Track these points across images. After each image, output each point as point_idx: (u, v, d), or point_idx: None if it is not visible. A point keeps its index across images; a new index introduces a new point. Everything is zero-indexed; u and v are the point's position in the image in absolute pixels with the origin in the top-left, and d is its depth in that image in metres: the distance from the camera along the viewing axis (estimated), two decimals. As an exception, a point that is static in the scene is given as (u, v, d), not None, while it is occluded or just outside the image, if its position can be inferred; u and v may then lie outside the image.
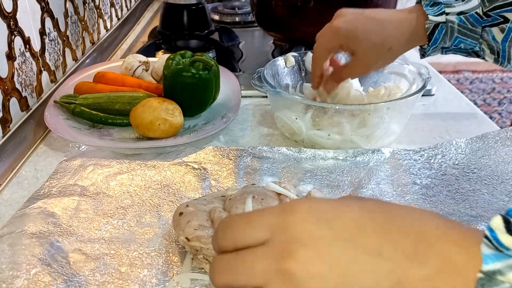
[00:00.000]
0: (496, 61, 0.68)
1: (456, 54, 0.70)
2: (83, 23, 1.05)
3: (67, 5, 0.96)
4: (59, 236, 0.54)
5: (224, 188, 0.63)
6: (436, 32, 0.66)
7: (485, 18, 0.65)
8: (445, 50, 0.70)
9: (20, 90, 0.76)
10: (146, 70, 0.91)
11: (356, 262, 0.30)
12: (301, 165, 0.68)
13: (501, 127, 0.74)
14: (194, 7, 1.12)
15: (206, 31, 1.14)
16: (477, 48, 0.68)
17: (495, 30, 0.65)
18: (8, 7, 0.72)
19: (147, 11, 1.58)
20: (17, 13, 0.75)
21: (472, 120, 0.85)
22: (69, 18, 0.97)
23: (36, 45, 0.82)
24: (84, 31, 1.06)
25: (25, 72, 0.78)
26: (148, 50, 1.08)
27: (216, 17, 1.40)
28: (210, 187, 0.64)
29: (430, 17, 0.66)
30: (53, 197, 0.60)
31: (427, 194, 0.62)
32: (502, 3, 0.64)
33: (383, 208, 0.33)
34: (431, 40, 0.67)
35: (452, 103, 0.91)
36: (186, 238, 0.51)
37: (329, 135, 0.71)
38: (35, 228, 0.54)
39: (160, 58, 0.89)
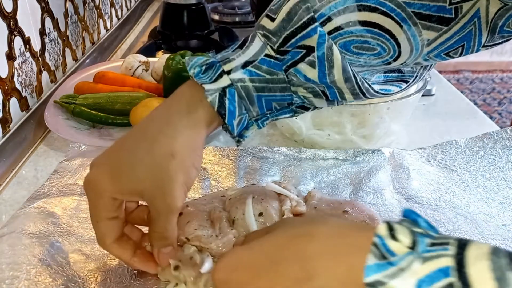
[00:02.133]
0: (330, 102, 0.48)
1: (278, 118, 0.49)
2: (83, 23, 1.05)
3: (67, 5, 0.96)
4: (59, 236, 0.54)
5: (224, 188, 0.63)
6: (227, 102, 0.44)
7: (282, 57, 0.45)
8: (261, 122, 0.49)
9: (20, 90, 0.76)
10: (146, 70, 0.91)
11: None
12: (301, 165, 0.68)
13: (501, 127, 0.74)
14: (194, 7, 1.12)
15: (206, 31, 1.14)
16: (297, 100, 0.47)
17: (304, 67, 0.44)
18: (8, 7, 0.72)
19: (147, 11, 1.58)
20: (17, 13, 0.75)
21: (472, 120, 0.85)
22: (69, 18, 0.97)
23: (36, 45, 0.82)
24: (84, 31, 1.06)
25: (25, 72, 0.78)
26: (148, 50, 1.08)
27: (216, 17, 1.40)
28: (210, 187, 0.64)
29: (207, 86, 0.44)
30: (53, 197, 0.60)
31: (427, 194, 0.62)
32: (291, 29, 0.44)
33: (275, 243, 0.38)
34: (225, 115, 0.45)
35: (452, 103, 0.91)
36: (186, 238, 0.51)
37: (329, 135, 0.71)
38: (35, 228, 0.54)
39: (160, 58, 0.89)
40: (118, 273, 0.49)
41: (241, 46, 0.46)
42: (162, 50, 1.15)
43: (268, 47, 0.45)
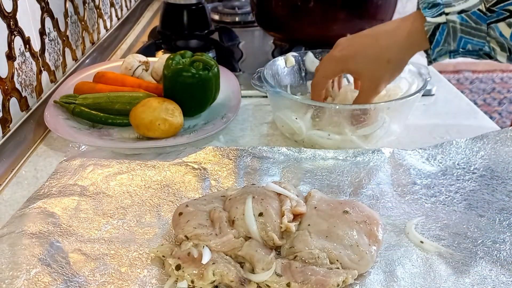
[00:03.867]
0: (509, 59, 0.63)
1: (466, 56, 0.66)
2: (83, 23, 1.05)
3: (67, 5, 0.96)
4: (59, 236, 0.54)
5: (224, 188, 0.63)
6: (437, 34, 0.63)
7: (489, 14, 0.61)
8: (452, 54, 0.66)
9: (20, 90, 0.76)
10: (146, 70, 0.91)
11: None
12: (301, 165, 0.68)
13: (501, 127, 0.74)
14: (194, 7, 1.12)
15: (206, 31, 1.14)
16: (486, 48, 0.63)
17: (502, 26, 0.61)
18: (8, 7, 0.72)
19: (147, 11, 1.58)
20: (17, 13, 0.75)
21: (472, 120, 0.85)
22: (69, 18, 0.97)
23: (36, 45, 0.82)
24: (84, 31, 1.06)
25: (25, 72, 0.78)
26: (148, 50, 1.08)
27: (216, 17, 1.40)
28: (210, 187, 0.64)
29: (428, 18, 0.63)
30: (53, 197, 0.60)
31: (427, 194, 0.62)
32: None
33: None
34: (432, 42, 0.64)
35: (452, 103, 0.91)
36: (185, 236, 0.51)
37: (329, 135, 0.71)
38: (35, 228, 0.54)
39: (160, 58, 0.89)
40: (118, 273, 0.49)
41: None
42: (162, 50, 1.15)
43: (482, 4, 0.62)
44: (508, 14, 0.60)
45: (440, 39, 0.63)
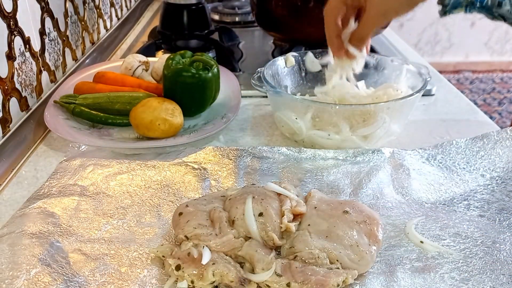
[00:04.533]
0: None
1: (480, 13, 0.60)
2: (83, 23, 1.05)
3: (67, 5, 0.96)
4: (59, 236, 0.54)
5: (224, 188, 0.63)
6: None
7: None
8: (469, 8, 0.61)
9: (20, 90, 0.76)
10: (146, 70, 0.91)
11: None
12: (301, 165, 0.68)
13: (501, 127, 0.74)
14: (194, 7, 1.12)
15: (206, 31, 1.14)
16: (505, 4, 0.58)
17: None
18: (8, 7, 0.72)
19: (147, 11, 1.58)
20: (17, 13, 0.75)
21: (472, 120, 0.85)
22: (69, 18, 0.97)
23: (36, 45, 0.82)
24: (84, 31, 1.06)
25: (25, 72, 0.78)
26: (148, 50, 1.08)
27: (216, 17, 1.40)
28: (210, 187, 0.64)
29: None
30: (53, 197, 0.60)
31: (427, 194, 0.62)
32: None
33: None
34: None
35: (452, 103, 0.91)
36: (185, 236, 0.51)
37: (329, 135, 0.71)
38: (35, 228, 0.54)
39: (160, 58, 0.89)
40: (118, 273, 0.49)
41: None
42: (162, 50, 1.15)
43: None
44: None
45: None
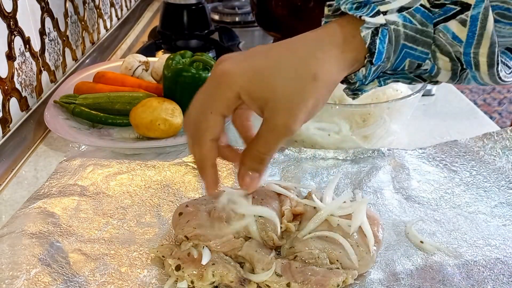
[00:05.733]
0: (454, 75, 0.46)
1: (397, 81, 0.49)
2: (83, 23, 1.05)
3: (67, 5, 0.96)
4: (59, 236, 0.54)
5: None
6: (378, 41, 0.43)
7: (435, 11, 0.43)
8: (383, 79, 0.48)
9: (20, 90, 0.76)
10: (146, 70, 0.91)
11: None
12: (301, 165, 0.68)
13: (501, 127, 0.74)
14: (194, 7, 1.12)
15: (206, 31, 1.14)
16: (427, 64, 0.46)
17: (454, 25, 0.43)
18: (8, 7, 0.72)
19: (147, 11, 1.58)
20: (17, 13, 0.75)
21: (472, 120, 0.85)
22: (69, 18, 0.97)
23: (36, 45, 0.82)
24: (84, 31, 1.06)
25: (25, 72, 0.78)
26: (148, 50, 1.08)
27: (216, 17, 1.40)
28: (210, 187, 0.64)
29: (367, 18, 0.43)
30: (53, 197, 0.60)
31: (427, 194, 0.62)
32: None
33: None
34: (373, 54, 0.43)
35: (452, 103, 0.91)
36: (185, 236, 0.51)
37: (329, 135, 0.71)
38: (35, 228, 0.54)
39: (160, 58, 0.89)
40: (118, 273, 0.49)
41: None
42: (162, 50, 1.15)
43: None
44: (459, 7, 0.43)
45: (383, 50, 0.43)
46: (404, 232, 0.56)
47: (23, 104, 0.77)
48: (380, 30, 0.43)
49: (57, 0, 0.91)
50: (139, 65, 0.90)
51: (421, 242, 0.54)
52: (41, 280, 0.47)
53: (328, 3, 0.47)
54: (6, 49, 0.72)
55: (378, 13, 0.43)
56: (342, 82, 0.46)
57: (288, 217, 0.52)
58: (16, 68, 0.75)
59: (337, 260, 0.49)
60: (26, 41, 0.78)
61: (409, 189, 0.63)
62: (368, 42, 0.42)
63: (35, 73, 0.82)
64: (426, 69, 0.46)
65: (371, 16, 0.43)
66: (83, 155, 0.70)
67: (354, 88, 0.47)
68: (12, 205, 0.62)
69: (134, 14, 1.46)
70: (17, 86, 0.75)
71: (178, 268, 0.48)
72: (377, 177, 0.65)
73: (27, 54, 0.79)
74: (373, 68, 0.44)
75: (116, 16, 1.32)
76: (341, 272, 0.47)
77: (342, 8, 0.44)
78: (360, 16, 0.43)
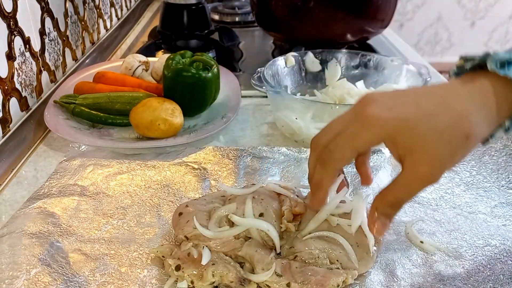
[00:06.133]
0: None
1: None
2: (83, 23, 1.05)
3: (67, 5, 0.96)
4: (59, 236, 0.54)
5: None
6: None
7: None
8: None
9: (20, 90, 0.76)
10: (146, 70, 0.91)
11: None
12: (301, 165, 0.68)
13: (501, 127, 0.74)
14: (194, 7, 1.12)
15: (206, 31, 1.14)
16: None
17: None
18: (8, 7, 0.72)
19: (147, 11, 1.58)
20: (17, 13, 0.75)
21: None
22: (69, 18, 0.97)
23: (36, 45, 0.82)
24: (84, 31, 1.06)
25: (25, 72, 0.78)
26: (148, 50, 1.08)
27: (216, 17, 1.40)
28: (210, 187, 0.64)
29: None
30: (53, 197, 0.60)
31: (427, 194, 0.62)
32: None
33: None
34: None
35: (452, 103, 0.91)
36: (185, 236, 0.51)
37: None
38: (35, 228, 0.54)
39: (160, 58, 0.89)
40: (118, 273, 0.49)
41: None
42: (162, 50, 1.15)
43: None
44: None
45: None
46: (404, 232, 0.56)
47: (23, 104, 0.77)
48: None
49: (57, 0, 0.91)
50: (139, 65, 0.90)
51: (421, 242, 0.54)
52: (41, 280, 0.47)
53: (462, 55, 0.47)
54: (6, 49, 0.72)
55: None
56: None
57: (288, 217, 0.52)
58: (16, 68, 0.75)
59: (337, 260, 0.49)
60: (26, 41, 0.78)
61: (409, 189, 0.63)
62: None
63: (35, 73, 0.82)
64: None
65: None
66: (83, 155, 0.70)
67: (488, 139, 0.48)
68: (12, 205, 0.62)
69: (134, 14, 1.46)
70: (17, 86, 0.75)
71: (178, 268, 0.48)
72: (377, 177, 0.65)
73: (27, 54, 0.79)
74: None
75: (116, 16, 1.32)
76: (341, 272, 0.47)
77: (489, 67, 0.44)
78: (509, 77, 0.43)
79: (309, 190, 0.58)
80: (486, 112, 0.43)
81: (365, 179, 0.52)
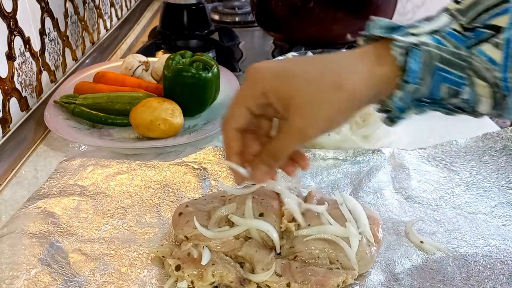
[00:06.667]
0: (496, 103, 0.44)
1: (435, 110, 0.47)
2: (83, 23, 1.05)
3: (67, 5, 0.96)
4: (59, 236, 0.54)
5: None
6: (411, 60, 0.42)
7: (468, 35, 0.43)
8: (421, 105, 0.46)
9: (20, 90, 0.76)
10: (146, 70, 0.91)
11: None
12: (301, 165, 0.68)
13: (501, 127, 0.74)
14: (194, 7, 1.12)
15: (206, 31, 1.14)
16: (466, 91, 0.44)
17: (488, 48, 0.42)
18: (8, 7, 0.72)
19: (147, 11, 1.58)
20: (17, 13, 0.75)
21: (472, 120, 0.84)
22: (69, 18, 0.97)
23: (36, 45, 0.82)
24: (84, 31, 1.06)
25: (25, 72, 0.78)
26: (148, 50, 1.08)
27: (216, 17, 1.40)
28: (210, 187, 0.64)
29: (397, 37, 0.43)
30: (53, 197, 0.60)
31: (427, 194, 0.62)
32: (481, 7, 0.43)
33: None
34: (406, 73, 0.42)
35: (452, 103, 0.91)
36: (185, 236, 0.51)
37: (329, 135, 0.71)
38: (35, 228, 0.54)
39: (160, 58, 0.89)
40: (118, 273, 0.49)
41: (426, 19, 0.46)
42: (162, 50, 1.15)
43: (455, 23, 0.44)
44: (492, 32, 0.42)
45: (417, 69, 0.42)
46: (404, 232, 0.56)
47: (23, 104, 0.77)
48: (411, 51, 0.42)
49: (57, 0, 0.91)
50: (139, 65, 0.90)
51: (421, 242, 0.54)
52: (41, 280, 0.47)
53: (361, 32, 0.47)
54: (6, 49, 0.72)
55: (408, 34, 0.44)
56: (380, 110, 0.47)
57: (288, 217, 0.52)
58: (16, 68, 0.75)
59: (337, 260, 0.49)
60: (26, 41, 0.78)
61: (409, 189, 0.63)
62: (398, 58, 0.42)
63: (35, 73, 0.82)
64: (466, 99, 0.44)
65: (403, 36, 0.43)
66: (83, 155, 0.70)
67: (392, 116, 0.46)
68: (12, 205, 0.62)
69: (134, 14, 1.46)
70: (17, 86, 0.75)
71: (178, 268, 0.48)
72: (377, 177, 0.65)
73: (27, 54, 0.79)
74: (408, 88, 0.43)
75: (116, 16, 1.32)
76: (341, 272, 0.47)
77: (373, 32, 0.45)
78: (391, 37, 0.43)
79: (309, 189, 0.58)
80: (362, 66, 0.43)
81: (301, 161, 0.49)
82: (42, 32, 0.84)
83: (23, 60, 0.77)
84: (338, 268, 0.48)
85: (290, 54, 0.85)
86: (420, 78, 0.43)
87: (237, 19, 1.39)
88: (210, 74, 0.78)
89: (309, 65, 0.44)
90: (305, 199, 0.57)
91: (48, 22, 0.87)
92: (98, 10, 1.16)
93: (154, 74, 0.90)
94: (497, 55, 0.41)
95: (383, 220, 0.56)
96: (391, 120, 0.47)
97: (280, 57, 0.84)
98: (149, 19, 1.50)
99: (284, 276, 0.47)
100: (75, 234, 0.55)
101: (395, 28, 0.44)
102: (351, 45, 1.07)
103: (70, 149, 0.71)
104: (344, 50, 0.46)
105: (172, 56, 0.79)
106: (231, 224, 0.52)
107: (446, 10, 0.46)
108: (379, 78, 0.43)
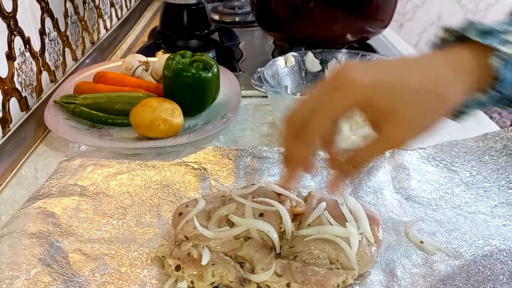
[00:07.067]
0: None
1: (504, 108, 0.47)
2: (83, 23, 1.05)
3: (67, 5, 0.96)
4: (59, 236, 0.54)
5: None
6: (507, 72, 0.42)
7: None
8: (493, 106, 0.47)
9: (20, 90, 0.76)
10: (146, 70, 0.91)
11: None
12: (301, 165, 0.68)
13: (501, 127, 0.74)
14: (194, 7, 1.12)
15: (206, 31, 1.14)
16: None
17: None
18: (8, 7, 0.72)
19: (147, 11, 1.58)
20: (17, 13, 0.75)
21: (472, 120, 0.84)
22: (69, 18, 0.97)
23: (36, 45, 0.82)
24: (84, 31, 1.06)
25: (25, 72, 0.78)
26: (148, 50, 1.08)
27: (216, 17, 1.40)
28: (210, 187, 0.64)
29: (500, 47, 0.42)
30: (53, 197, 0.60)
31: (427, 194, 0.62)
32: None
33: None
34: (499, 82, 0.42)
35: (452, 103, 0.91)
36: (185, 236, 0.51)
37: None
38: (35, 228, 0.54)
39: (160, 58, 0.89)
40: (118, 273, 0.49)
41: None
42: (162, 50, 1.15)
43: None
44: None
45: (509, 78, 0.42)
46: (404, 232, 0.56)
47: (23, 104, 0.77)
48: (509, 61, 0.42)
49: (57, 0, 0.91)
50: (139, 65, 0.90)
51: (421, 242, 0.54)
52: (41, 280, 0.47)
53: (444, 26, 0.46)
54: (6, 49, 0.72)
55: (504, 41, 0.43)
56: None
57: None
58: (16, 68, 0.75)
59: (337, 260, 0.49)
60: (26, 41, 0.78)
61: (409, 189, 0.63)
62: (497, 69, 0.42)
63: (35, 73, 0.82)
64: None
65: (504, 45, 0.42)
66: (83, 155, 0.70)
67: (460, 113, 0.47)
68: (12, 205, 0.62)
69: (134, 14, 1.46)
70: (17, 86, 0.75)
71: (178, 268, 0.48)
72: (377, 177, 0.65)
73: (27, 54, 0.79)
74: (495, 95, 0.43)
75: (116, 16, 1.32)
76: (341, 272, 0.47)
77: (469, 35, 0.44)
78: (492, 45, 0.42)
79: (309, 189, 0.58)
80: (461, 77, 0.42)
81: (332, 161, 0.50)
82: (42, 32, 0.84)
83: (23, 60, 0.77)
84: (338, 268, 0.48)
85: (290, 54, 0.85)
86: (507, 87, 0.43)
87: (237, 19, 1.39)
88: (210, 74, 0.78)
89: (408, 73, 0.42)
90: (305, 199, 0.57)
91: (48, 22, 0.87)
92: (98, 10, 1.16)
93: (154, 74, 0.90)
94: None
95: (383, 220, 0.56)
96: (455, 114, 0.47)
97: (280, 57, 0.84)
98: (149, 19, 1.50)
99: (284, 276, 0.47)
100: (75, 234, 0.55)
101: (489, 32, 0.43)
102: (351, 45, 1.07)
103: (70, 149, 0.71)
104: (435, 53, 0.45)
105: (172, 56, 0.79)
106: (231, 224, 0.52)
107: None
108: (472, 88, 0.44)
